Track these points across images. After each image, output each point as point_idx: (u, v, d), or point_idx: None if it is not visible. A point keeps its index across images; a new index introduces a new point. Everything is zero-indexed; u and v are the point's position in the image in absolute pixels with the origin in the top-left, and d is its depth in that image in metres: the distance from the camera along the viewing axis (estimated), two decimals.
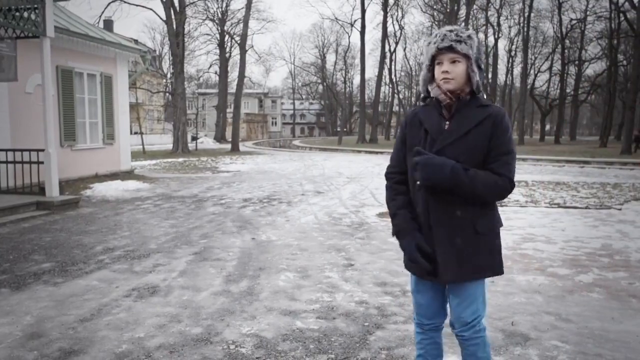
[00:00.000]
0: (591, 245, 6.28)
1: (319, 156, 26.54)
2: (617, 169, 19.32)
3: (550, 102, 54.26)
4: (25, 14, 8.78)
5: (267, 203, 9.81)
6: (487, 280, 2.41)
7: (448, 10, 44.26)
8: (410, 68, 72.13)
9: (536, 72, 56.38)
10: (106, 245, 6.31)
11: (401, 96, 71.94)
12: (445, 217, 2.24)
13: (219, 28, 46.36)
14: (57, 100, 11.39)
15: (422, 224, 2.30)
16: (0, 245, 6.32)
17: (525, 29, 48.12)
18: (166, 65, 56.17)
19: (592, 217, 8.33)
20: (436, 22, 48.83)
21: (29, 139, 10.26)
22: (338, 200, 10.24)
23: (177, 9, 28.46)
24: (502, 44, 78.89)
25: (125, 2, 30.11)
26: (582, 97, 53.23)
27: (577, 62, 50.10)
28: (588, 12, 45.68)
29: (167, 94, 46.19)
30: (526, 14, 48.20)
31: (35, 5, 8.93)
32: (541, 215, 8.47)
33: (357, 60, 60.34)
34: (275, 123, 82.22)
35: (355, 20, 57.63)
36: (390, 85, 59.97)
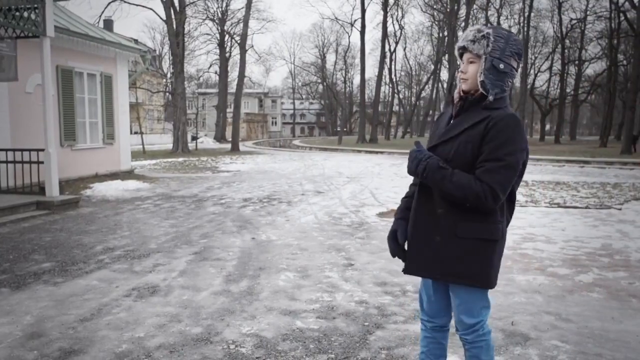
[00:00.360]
0: (591, 245, 6.28)
1: (319, 156, 26.54)
2: (617, 168, 19.31)
3: (550, 102, 54.24)
4: (26, 14, 8.78)
5: (267, 203, 9.81)
6: None
7: (448, 10, 44.29)
8: (410, 68, 72.22)
9: (536, 71, 56.40)
10: (106, 245, 6.31)
11: (401, 96, 72.01)
12: (428, 213, 2.26)
13: (219, 28, 46.36)
14: (57, 100, 11.39)
15: (411, 215, 2.37)
16: (0, 245, 6.32)
17: (525, 28, 48.16)
18: (166, 65, 56.20)
19: (592, 217, 8.33)
20: (436, 22, 48.90)
21: (29, 139, 10.26)
22: (338, 200, 10.24)
23: (177, 8, 28.45)
24: None
25: (125, 1, 30.14)
26: (582, 97, 53.21)
27: (577, 62, 50.10)
28: (588, 12, 45.69)
29: (167, 94, 46.22)
30: (526, 14, 48.28)
31: (35, 5, 8.93)
32: (541, 215, 8.47)
33: (357, 60, 60.35)
34: (275, 123, 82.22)
35: (355, 20, 57.73)
36: (390, 85, 59.98)
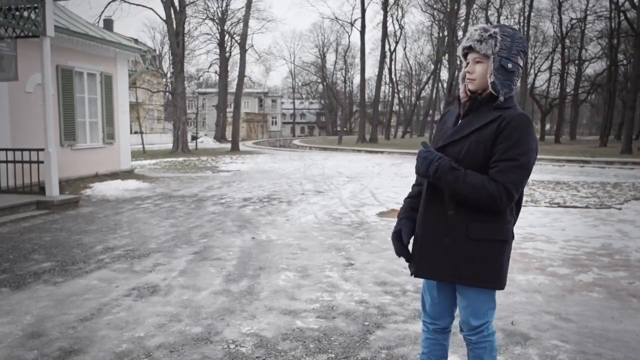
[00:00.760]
0: (591, 245, 6.28)
1: (319, 156, 26.54)
2: (617, 168, 19.31)
3: (550, 102, 54.22)
4: (26, 14, 8.77)
5: (267, 202, 9.81)
6: None
7: (448, 9, 44.24)
8: (410, 67, 72.20)
9: (536, 71, 56.37)
10: (106, 245, 6.31)
11: (401, 96, 72.01)
12: (437, 215, 2.23)
13: (219, 27, 46.35)
14: (57, 99, 11.39)
15: (418, 218, 2.34)
16: (0, 245, 6.32)
17: (526, 28, 48.10)
18: (166, 64, 56.18)
19: (592, 216, 8.33)
20: (436, 22, 48.88)
21: (29, 139, 10.26)
22: (338, 199, 10.24)
23: (177, 8, 28.44)
24: None
25: (125, 1, 30.11)
26: (582, 96, 53.19)
27: (577, 62, 50.07)
28: (588, 12, 45.65)
29: (167, 94, 46.19)
30: (526, 14, 48.25)
31: (35, 5, 8.93)
32: (541, 214, 8.47)
33: (357, 60, 60.34)
34: (275, 122, 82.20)
35: (355, 20, 57.72)
36: (390, 85, 59.98)
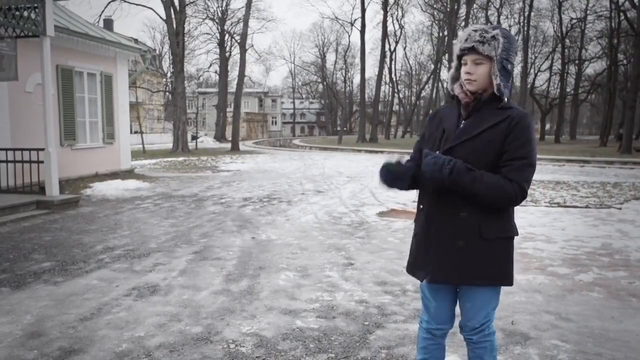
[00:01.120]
0: (591, 245, 6.28)
1: (319, 155, 26.54)
2: (617, 168, 19.31)
3: (551, 102, 54.22)
4: (25, 13, 8.77)
5: (267, 202, 9.81)
6: None
7: (448, 9, 44.26)
8: (411, 67, 72.15)
9: (536, 71, 56.36)
10: (106, 245, 6.31)
11: (401, 95, 72.01)
12: (449, 218, 2.20)
13: (219, 27, 46.34)
14: (57, 99, 11.39)
15: (423, 222, 2.30)
16: (0, 245, 6.32)
17: (526, 28, 48.12)
18: (166, 64, 56.18)
19: (592, 216, 8.33)
20: (436, 22, 48.88)
21: (29, 138, 10.26)
22: (338, 199, 10.24)
23: (177, 8, 28.42)
24: None
25: (125, 1, 30.10)
26: (582, 96, 53.20)
27: (577, 62, 50.06)
28: (588, 12, 45.65)
29: (167, 93, 46.18)
30: (526, 13, 48.23)
31: (35, 5, 8.93)
32: (541, 214, 8.47)
33: (357, 60, 60.33)
34: (275, 122, 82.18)
35: (355, 20, 57.75)
36: (391, 85, 59.97)
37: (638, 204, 9.69)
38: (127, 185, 11.91)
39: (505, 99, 2.17)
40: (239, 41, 36.33)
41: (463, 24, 42.26)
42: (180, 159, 23.25)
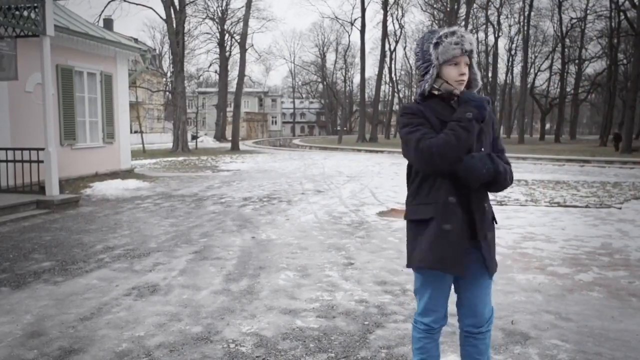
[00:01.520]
0: (591, 244, 6.28)
1: (319, 155, 26.54)
2: (617, 167, 19.31)
3: (550, 101, 54.24)
4: (25, 13, 8.77)
5: (267, 202, 9.81)
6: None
7: (448, 9, 44.23)
8: (410, 67, 72.05)
9: (536, 71, 56.38)
10: (106, 244, 6.32)
11: (401, 95, 71.96)
12: (482, 210, 2.31)
13: (219, 27, 46.35)
14: (57, 99, 11.39)
15: (460, 216, 2.26)
16: (0, 244, 6.32)
17: (526, 27, 48.13)
18: (166, 64, 56.19)
19: (592, 216, 8.33)
20: (436, 21, 48.81)
21: (29, 138, 10.26)
22: (338, 199, 10.24)
23: (177, 7, 28.43)
24: (502, 43, 78.82)
25: (125, 1, 30.12)
26: (582, 96, 53.21)
27: (577, 61, 50.08)
28: (588, 11, 45.68)
29: (167, 93, 46.18)
30: (526, 13, 48.25)
31: (35, 4, 8.92)
32: (541, 214, 8.47)
33: (357, 59, 60.38)
34: (275, 122, 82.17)
35: (355, 19, 57.71)
36: (390, 84, 60.02)
37: (638, 203, 9.69)
38: (127, 185, 11.91)
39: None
40: (239, 41, 36.35)
41: (463, 23, 42.22)
42: (180, 158, 23.25)
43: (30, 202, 8.73)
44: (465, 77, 2.28)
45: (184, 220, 7.91)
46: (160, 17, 31.68)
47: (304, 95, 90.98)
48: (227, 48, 48.09)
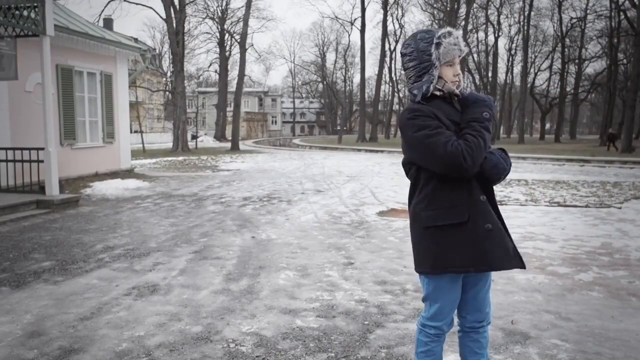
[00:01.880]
0: (591, 244, 6.28)
1: (319, 155, 26.53)
2: (617, 167, 19.32)
3: (550, 101, 54.24)
4: (25, 13, 8.77)
5: (267, 202, 9.81)
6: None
7: (448, 8, 44.23)
8: None
9: (536, 70, 56.37)
10: (106, 244, 6.32)
11: (401, 95, 71.93)
12: (494, 203, 2.35)
13: (219, 27, 46.34)
14: (57, 98, 11.39)
15: (493, 213, 2.30)
16: (0, 244, 6.32)
17: (526, 27, 48.13)
18: (166, 63, 56.20)
19: (592, 215, 8.33)
20: (436, 21, 48.84)
21: (29, 138, 10.26)
22: (338, 198, 10.24)
23: (177, 7, 28.42)
24: (502, 43, 78.84)
25: (125, 0, 30.10)
26: (582, 95, 53.21)
27: (577, 61, 50.07)
28: (588, 11, 45.66)
29: (167, 93, 46.15)
30: (526, 13, 48.23)
31: (35, 4, 8.92)
32: (541, 214, 8.47)
33: (357, 59, 60.40)
34: (275, 122, 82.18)
35: (355, 19, 57.65)
36: (390, 84, 60.00)
37: (638, 203, 9.69)
38: (127, 185, 11.91)
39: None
40: (238, 40, 36.35)
41: (463, 23, 42.24)
42: (180, 158, 23.25)
43: (30, 201, 8.73)
44: (460, 77, 2.30)
45: (184, 220, 7.91)
46: (160, 17, 31.69)
47: (304, 95, 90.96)
48: (227, 48, 48.11)
